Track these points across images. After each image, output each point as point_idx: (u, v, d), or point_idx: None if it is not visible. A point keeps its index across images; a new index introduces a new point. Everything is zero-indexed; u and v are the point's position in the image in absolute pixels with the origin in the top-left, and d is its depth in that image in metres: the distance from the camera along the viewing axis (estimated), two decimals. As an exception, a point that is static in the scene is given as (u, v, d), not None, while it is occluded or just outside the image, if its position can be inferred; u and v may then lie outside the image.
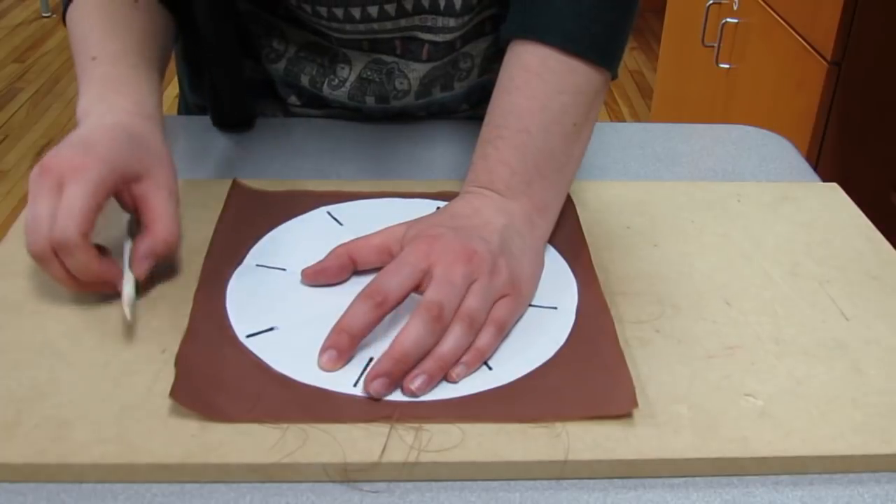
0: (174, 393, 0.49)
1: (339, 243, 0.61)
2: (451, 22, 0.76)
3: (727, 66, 1.78)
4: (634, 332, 0.57)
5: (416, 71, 0.79)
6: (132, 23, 0.67)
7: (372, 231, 0.61)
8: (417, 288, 0.55)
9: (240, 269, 0.61)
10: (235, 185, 0.70)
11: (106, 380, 0.51)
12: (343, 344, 0.53)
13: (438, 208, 0.68)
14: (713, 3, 1.81)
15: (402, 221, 0.61)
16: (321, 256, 0.60)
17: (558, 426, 0.49)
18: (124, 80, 0.64)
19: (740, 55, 1.73)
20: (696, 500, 0.47)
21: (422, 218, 0.61)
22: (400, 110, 0.82)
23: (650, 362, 0.54)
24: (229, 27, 0.76)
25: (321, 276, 0.59)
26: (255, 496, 0.46)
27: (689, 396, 0.52)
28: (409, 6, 0.74)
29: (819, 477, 0.49)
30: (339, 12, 0.74)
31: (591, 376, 0.52)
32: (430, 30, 0.76)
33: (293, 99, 0.84)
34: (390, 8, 0.74)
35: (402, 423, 0.49)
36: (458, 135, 0.81)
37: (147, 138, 0.60)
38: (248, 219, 0.66)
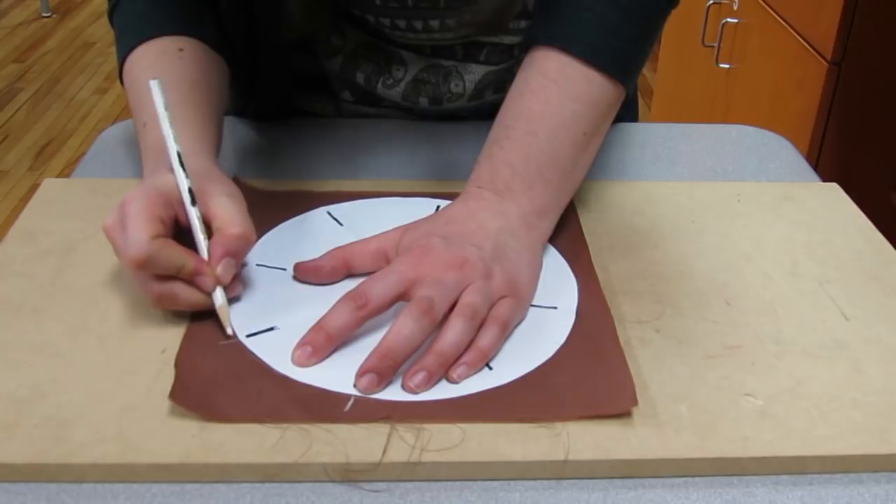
0: (174, 394, 0.49)
1: (339, 243, 0.61)
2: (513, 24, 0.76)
3: (727, 66, 1.78)
4: (635, 332, 0.57)
5: (474, 73, 0.80)
6: (179, 77, 0.66)
7: (372, 231, 0.61)
8: (404, 297, 0.54)
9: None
10: (236, 184, 0.70)
11: (106, 380, 0.51)
12: (319, 342, 0.53)
13: (439, 207, 0.68)
14: (713, 3, 1.81)
15: (401, 222, 0.61)
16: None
17: (558, 426, 0.49)
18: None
19: (740, 55, 1.73)
20: (696, 500, 0.47)
21: (417, 223, 0.61)
22: (452, 112, 0.83)
23: (650, 362, 0.54)
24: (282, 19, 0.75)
25: (313, 273, 0.59)
26: (255, 496, 0.46)
27: (689, 396, 0.52)
28: (468, 18, 0.74)
29: (819, 477, 0.49)
30: (401, 23, 0.75)
31: (591, 376, 0.52)
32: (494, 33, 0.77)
33: (346, 95, 0.84)
34: (451, 22, 0.74)
35: (403, 423, 0.49)
36: (459, 136, 0.81)
37: (193, 166, 0.59)
38: (249, 218, 0.66)
